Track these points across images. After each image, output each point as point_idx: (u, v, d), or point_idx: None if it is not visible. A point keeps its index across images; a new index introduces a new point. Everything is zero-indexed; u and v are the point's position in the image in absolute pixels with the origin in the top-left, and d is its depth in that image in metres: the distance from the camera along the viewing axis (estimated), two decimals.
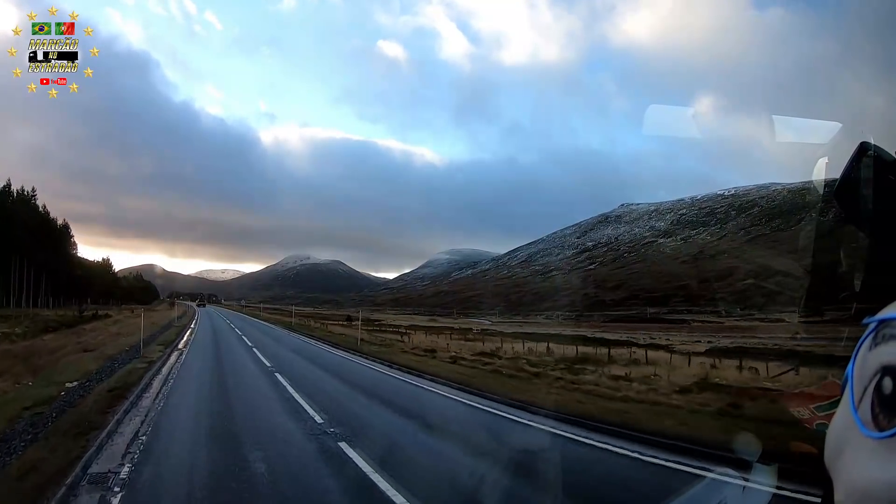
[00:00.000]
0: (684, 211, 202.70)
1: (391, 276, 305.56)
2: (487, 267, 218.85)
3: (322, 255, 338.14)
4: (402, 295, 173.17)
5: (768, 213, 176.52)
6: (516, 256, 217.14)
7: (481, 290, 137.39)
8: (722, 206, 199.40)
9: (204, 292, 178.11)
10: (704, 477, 4.64)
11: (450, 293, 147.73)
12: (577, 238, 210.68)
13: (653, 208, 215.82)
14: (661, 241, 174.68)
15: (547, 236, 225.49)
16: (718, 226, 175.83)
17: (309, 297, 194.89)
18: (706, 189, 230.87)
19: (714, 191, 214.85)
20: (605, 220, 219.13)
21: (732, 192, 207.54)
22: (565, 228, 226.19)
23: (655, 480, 4.99)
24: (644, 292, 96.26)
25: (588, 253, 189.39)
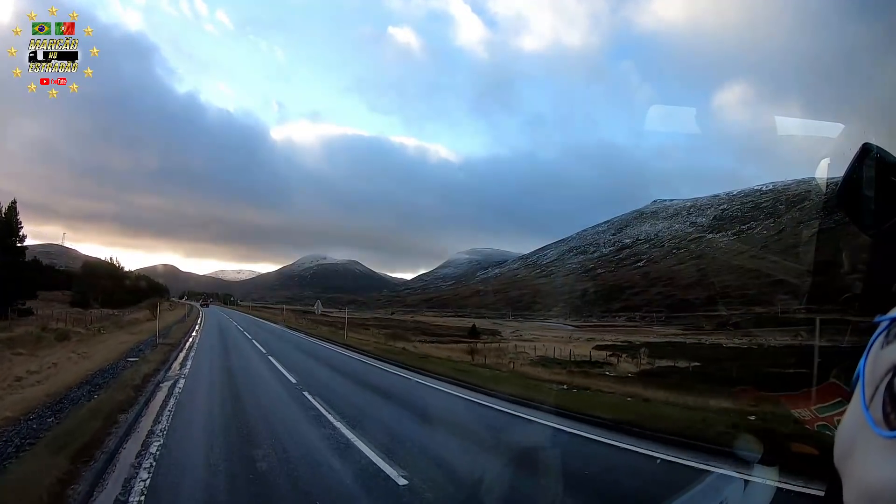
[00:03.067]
0: (724, 206, 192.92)
1: (408, 276, 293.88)
2: (516, 266, 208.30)
3: (337, 255, 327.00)
4: (435, 295, 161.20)
5: (822, 206, 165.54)
6: (547, 255, 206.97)
7: (528, 290, 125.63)
8: (766, 201, 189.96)
9: (219, 292, 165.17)
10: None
11: (491, 293, 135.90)
12: (613, 235, 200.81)
13: (689, 204, 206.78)
14: (711, 236, 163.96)
15: (577, 234, 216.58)
16: (771, 220, 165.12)
17: (329, 297, 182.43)
18: (732, 185, 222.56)
19: (743, 187, 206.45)
20: (639, 216, 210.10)
21: (770, 187, 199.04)
22: (597, 225, 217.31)
23: None
24: (734, 290, 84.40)
25: (628, 250, 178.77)
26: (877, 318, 0.49)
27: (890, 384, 0.44)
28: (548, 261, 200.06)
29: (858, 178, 0.71)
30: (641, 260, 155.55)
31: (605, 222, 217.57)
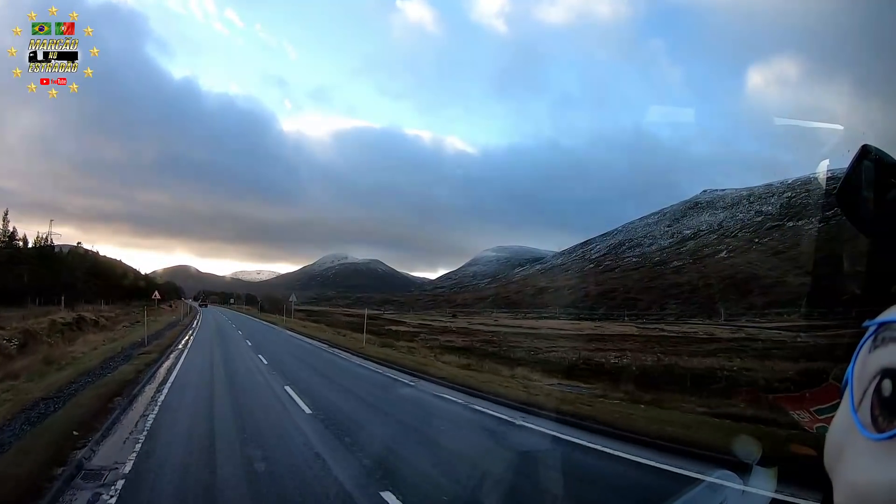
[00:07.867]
0: (788, 194, 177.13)
1: (429, 275, 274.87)
2: (560, 261, 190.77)
3: (358, 253, 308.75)
4: (493, 293, 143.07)
5: (822, 207, 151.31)
6: (594, 248, 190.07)
7: (611, 286, 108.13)
8: (836, 188, 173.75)
9: (241, 292, 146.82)
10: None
11: (566, 290, 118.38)
12: (668, 227, 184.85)
13: (745, 193, 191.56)
14: (792, 224, 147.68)
15: (622, 227, 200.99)
16: None
17: (358, 297, 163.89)
18: (771, 174, 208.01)
19: (785, 176, 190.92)
20: (694, 206, 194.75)
21: (829, 174, 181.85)
22: (645, 217, 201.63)
23: None
24: None
25: (693, 241, 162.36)
26: (865, 323, 0.49)
27: (878, 388, 0.45)
28: (597, 255, 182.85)
29: (857, 180, 0.71)
30: (721, 251, 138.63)
31: (653, 213, 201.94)
